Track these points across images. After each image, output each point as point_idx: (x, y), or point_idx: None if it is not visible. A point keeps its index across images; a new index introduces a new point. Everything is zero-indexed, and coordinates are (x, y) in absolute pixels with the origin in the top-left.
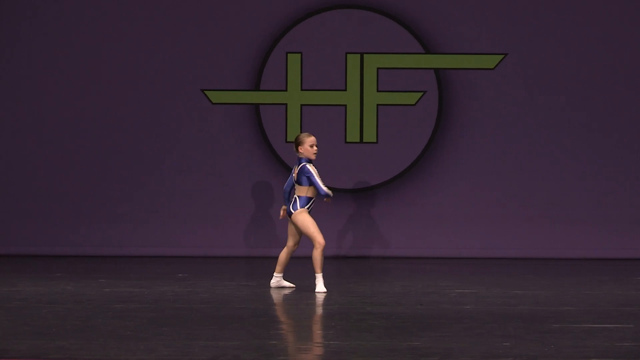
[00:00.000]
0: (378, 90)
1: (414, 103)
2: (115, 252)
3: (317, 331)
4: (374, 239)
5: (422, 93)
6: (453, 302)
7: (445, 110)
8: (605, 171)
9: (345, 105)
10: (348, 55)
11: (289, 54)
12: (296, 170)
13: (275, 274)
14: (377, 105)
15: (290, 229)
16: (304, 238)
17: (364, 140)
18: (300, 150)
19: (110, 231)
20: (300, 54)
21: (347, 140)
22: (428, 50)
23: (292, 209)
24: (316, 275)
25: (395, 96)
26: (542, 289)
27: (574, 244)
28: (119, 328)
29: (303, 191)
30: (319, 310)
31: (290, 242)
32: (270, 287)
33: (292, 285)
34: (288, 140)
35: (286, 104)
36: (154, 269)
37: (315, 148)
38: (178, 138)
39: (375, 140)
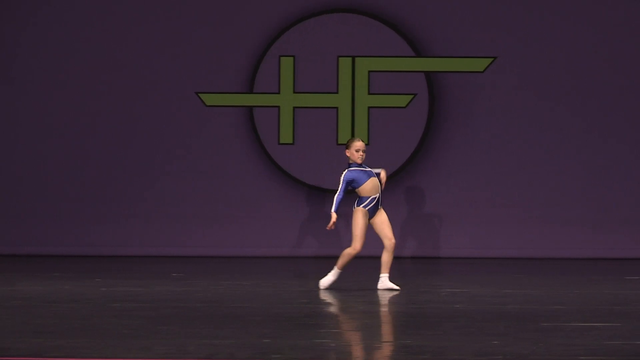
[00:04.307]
0: (369, 93)
1: (404, 105)
2: (112, 252)
3: (311, 329)
4: (365, 239)
5: (412, 96)
6: (445, 301)
7: (435, 113)
8: (595, 171)
9: (337, 108)
10: (340, 58)
11: (282, 58)
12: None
13: (380, 275)
14: (369, 107)
15: (376, 230)
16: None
17: None
18: (347, 154)
19: (107, 232)
20: (293, 58)
21: (339, 142)
22: (419, 54)
23: (353, 207)
24: (335, 268)
25: (386, 99)
26: (533, 288)
27: (564, 244)
28: (117, 327)
29: (359, 193)
30: (313, 309)
31: (385, 241)
32: (378, 289)
33: (397, 287)
34: (280, 142)
35: (279, 107)
36: (150, 268)
37: (361, 153)
38: (172, 140)
39: (366, 142)
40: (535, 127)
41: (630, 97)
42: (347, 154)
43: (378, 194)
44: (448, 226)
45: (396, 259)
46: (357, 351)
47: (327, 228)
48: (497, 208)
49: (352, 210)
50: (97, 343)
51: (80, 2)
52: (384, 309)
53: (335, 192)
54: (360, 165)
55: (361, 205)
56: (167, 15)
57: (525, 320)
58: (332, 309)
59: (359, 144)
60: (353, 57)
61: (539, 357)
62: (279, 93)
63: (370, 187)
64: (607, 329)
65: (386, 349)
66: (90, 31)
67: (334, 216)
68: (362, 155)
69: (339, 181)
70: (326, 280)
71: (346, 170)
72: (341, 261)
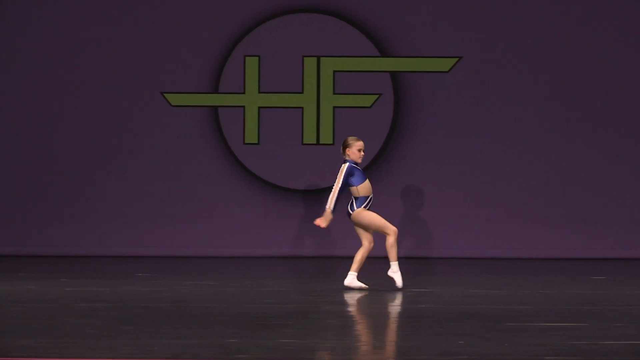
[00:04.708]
0: (334, 93)
1: (369, 105)
2: (77, 252)
3: (276, 330)
4: (332, 239)
5: (377, 95)
6: (410, 301)
7: (400, 113)
8: (563, 171)
9: (302, 108)
10: (305, 58)
11: (247, 58)
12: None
13: (349, 272)
14: (334, 107)
15: (358, 230)
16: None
17: (321, 142)
18: (347, 153)
19: (73, 232)
20: (258, 58)
21: (304, 142)
22: (384, 54)
23: (350, 210)
24: (392, 264)
25: (352, 99)
26: (499, 288)
27: (531, 243)
28: (82, 327)
29: (356, 192)
30: (278, 309)
31: (365, 242)
32: (345, 286)
33: (365, 285)
34: (246, 141)
35: (244, 107)
36: (115, 268)
37: (362, 153)
38: (138, 140)
39: (331, 142)
40: (501, 127)
41: (596, 96)
42: (348, 153)
43: (372, 195)
44: (413, 226)
45: None
46: (323, 351)
47: (323, 227)
48: (462, 208)
49: (352, 215)
50: (63, 343)
51: (44, 2)
52: (350, 309)
53: (332, 198)
54: (358, 165)
55: (361, 207)
56: (133, 15)
57: (491, 320)
58: (298, 309)
59: (361, 144)
60: (318, 57)
61: (504, 357)
62: (244, 93)
63: (367, 187)
64: (573, 329)
65: (350, 349)
66: (54, 32)
67: (330, 216)
68: (363, 156)
69: (339, 172)
70: (398, 279)
71: (347, 163)
72: (392, 253)
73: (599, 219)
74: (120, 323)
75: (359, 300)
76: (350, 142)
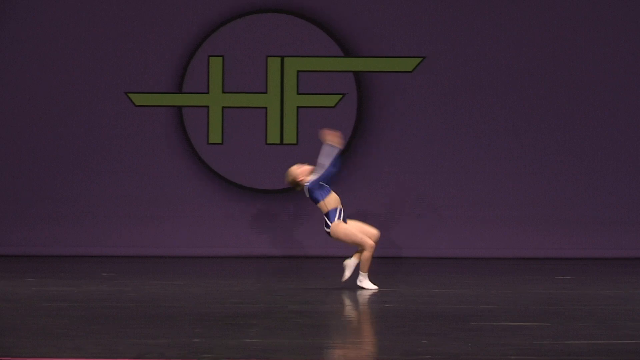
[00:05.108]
0: (298, 93)
1: (333, 105)
2: (42, 251)
3: (242, 329)
4: (295, 239)
5: (341, 95)
6: (375, 300)
7: (364, 112)
8: (528, 171)
9: (266, 108)
10: (269, 58)
11: (211, 57)
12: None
13: (360, 273)
14: (297, 107)
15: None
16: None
17: (284, 142)
18: (303, 180)
19: (37, 231)
20: (222, 57)
21: (268, 142)
22: (347, 53)
23: (326, 228)
24: (361, 274)
25: (315, 98)
26: (463, 288)
27: (495, 243)
28: (49, 326)
29: (324, 207)
30: (244, 309)
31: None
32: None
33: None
34: (210, 141)
35: (208, 107)
36: (80, 268)
37: (304, 165)
38: (103, 140)
39: (295, 142)
40: (465, 127)
41: (560, 93)
42: (303, 180)
43: (341, 206)
44: (378, 226)
45: (321, 258)
46: (288, 351)
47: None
48: (425, 209)
49: (331, 232)
50: (28, 343)
51: (7, 4)
52: (314, 309)
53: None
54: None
55: (336, 219)
56: (96, 14)
57: (455, 319)
58: (263, 309)
59: (297, 166)
60: (282, 57)
61: (469, 357)
62: (208, 93)
63: (334, 198)
64: (537, 329)
65: (314, 349)
66: (18, 30)
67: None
68: (310, 169)
69: (312, 185)
70: (368, 286)
71: (309, 186)
72: (365, 265)
73: (564, 219)
74: (86, 323)
75: (324, 301)
76: (294, 173)
